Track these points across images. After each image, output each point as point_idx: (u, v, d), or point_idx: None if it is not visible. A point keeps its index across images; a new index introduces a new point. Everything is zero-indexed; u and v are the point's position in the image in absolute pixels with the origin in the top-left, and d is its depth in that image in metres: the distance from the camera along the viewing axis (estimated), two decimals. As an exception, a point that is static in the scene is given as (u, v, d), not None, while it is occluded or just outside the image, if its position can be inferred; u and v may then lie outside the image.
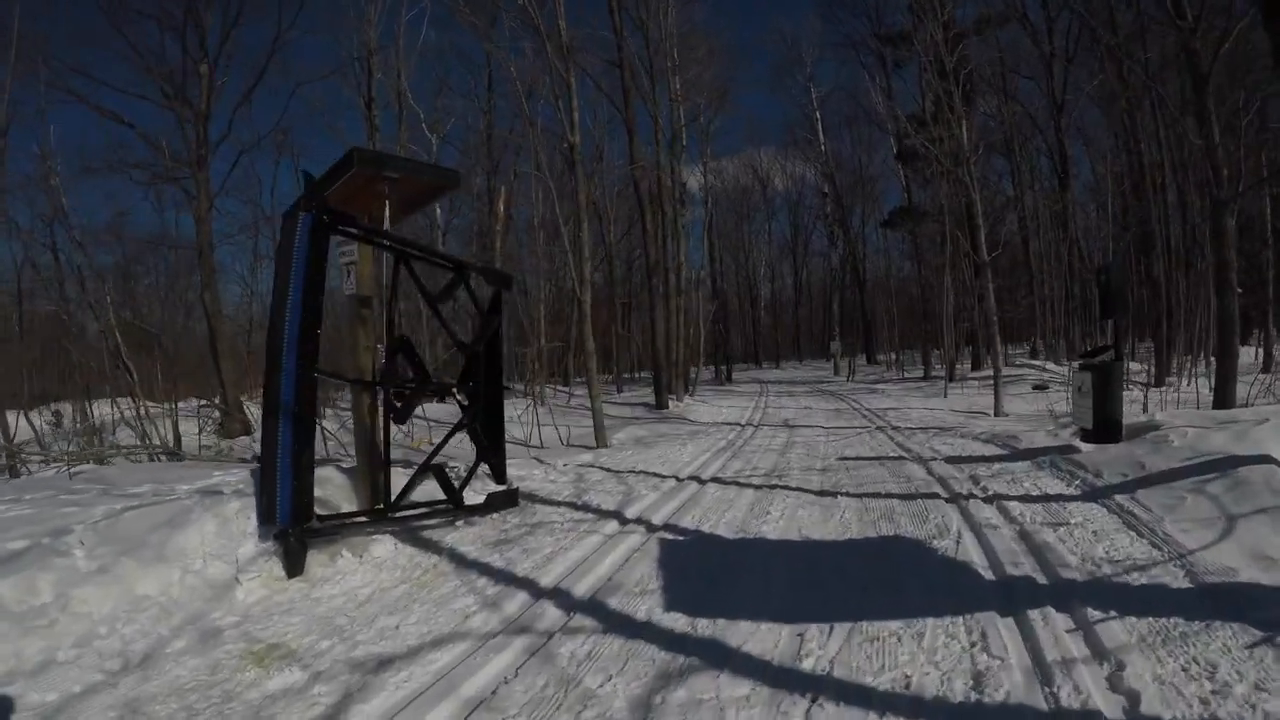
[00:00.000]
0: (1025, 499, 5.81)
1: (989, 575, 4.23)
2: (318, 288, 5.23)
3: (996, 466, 7.39)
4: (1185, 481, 5.28)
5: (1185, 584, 3.81)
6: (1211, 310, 18.49)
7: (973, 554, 4.60)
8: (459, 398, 7.44)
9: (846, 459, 8.83)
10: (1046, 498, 5.80)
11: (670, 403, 18.52)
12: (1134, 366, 17.51)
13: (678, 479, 8.05)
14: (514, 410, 13.82)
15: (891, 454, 9.03)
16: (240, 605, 4.38)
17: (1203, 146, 10.74)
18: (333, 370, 7.19)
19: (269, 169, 55.13)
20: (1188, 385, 13.82)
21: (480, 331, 7.29)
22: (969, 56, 19.13)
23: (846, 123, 39.40)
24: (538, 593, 4.39)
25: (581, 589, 4.43)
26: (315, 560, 5.02)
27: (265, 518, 4.95)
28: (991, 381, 14.72)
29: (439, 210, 26.65)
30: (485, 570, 4.91)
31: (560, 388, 24.08)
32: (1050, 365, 22.56)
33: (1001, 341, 15.37)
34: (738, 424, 14.52)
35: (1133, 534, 4.66)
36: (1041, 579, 4.07)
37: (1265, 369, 16.87)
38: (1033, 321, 28.35)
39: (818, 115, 39.03)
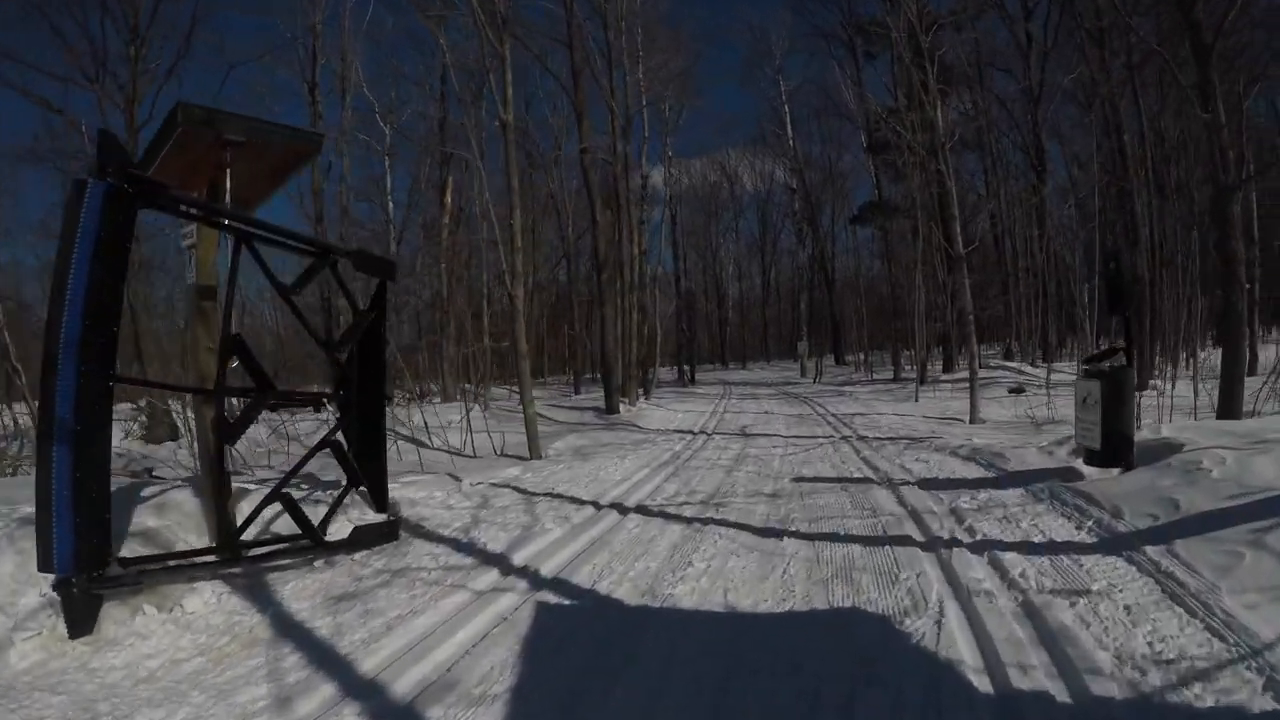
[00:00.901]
0: (1025, 548, 4.41)
1: (986, 687, 2.87)
2: (114, 274, 4.13)
3: (982, 495, 5.98)
4: (1238, 530, 3.92)
5: (1269, 703, 2.57)
6: (1199, 310, 17.57)
7: (960, 644, 3.23)
8: (331, 409, 6.30)
9: (802, 480, 7.47)
10: (1053, 547, 4.40)
11: (622, 407, 17.17)
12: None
13: (597, 506, 6.66)
14: (453, 415, 12.59)
15: (855, 474, 7.66)
16: (10, 672, 3.50)
17: (1206, 124, 9.51)
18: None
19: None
20: (1173, 390, 12.64)
21: (349, 329, 6.09)
22: (944, 38, 18.06)
23: (816, 116, 38.21)
24: (349, 685, 3.24)
25: (405, 684, 3.23)
26: (113, 615, 4.02)
27: (42, 564, 3.87)
28: (965, 384, 13.55)
29: (392, 204, 25.16)
30: (305, 641, 3.77)
31: (515, 389, 22.64)
32: (1027, 367, 21.48)
33: (976, 341, 14.13)
34: (690, 432, 13.14)
35: (1180, 611, 3.32)
36: (1063, 695, 2.77)
37: (1250, 371, 15.88)
38: (1006, 322, 27.34)
39: (786, 109, 37.78)
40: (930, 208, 21.27)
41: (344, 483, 6.04)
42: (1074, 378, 14.50)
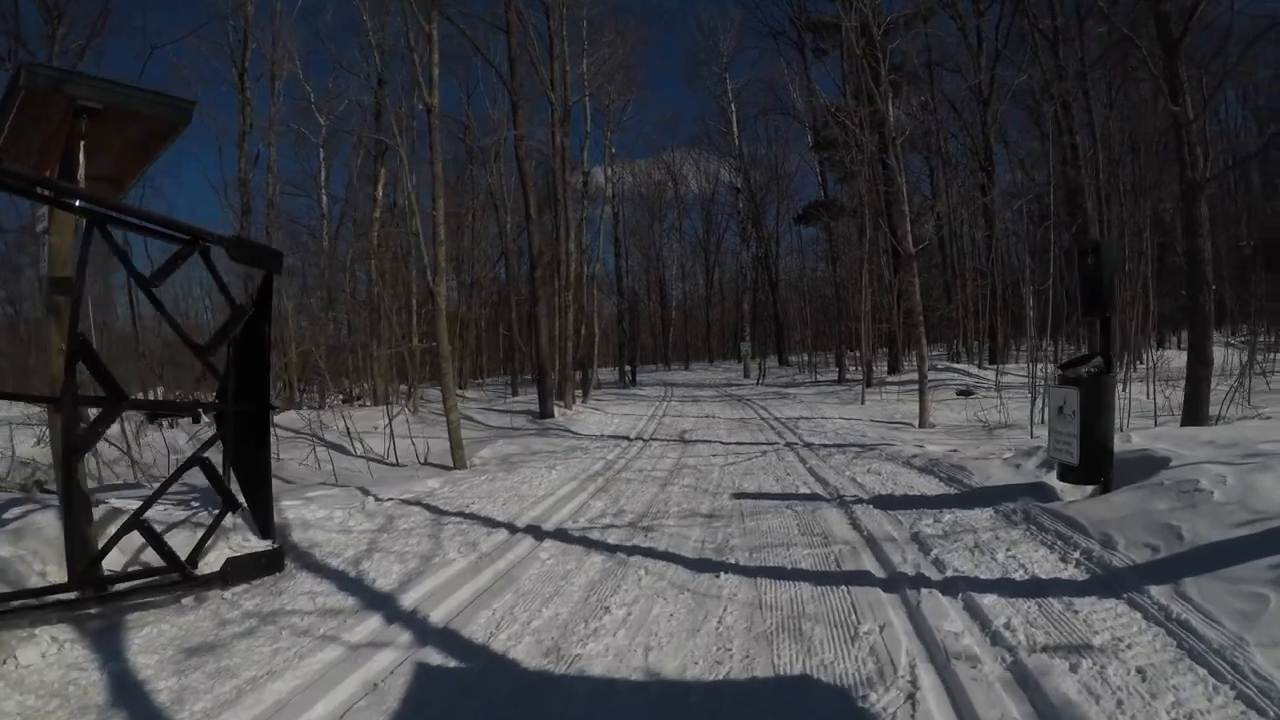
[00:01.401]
0: (1006, 588, 3.67)
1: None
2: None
3: (947, 517, 5.25)
4: (1256, 566, 3.24)
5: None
6: (1152, 311, 17.45)
7: (942, 733, 2.49)
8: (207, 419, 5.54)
9: (744, 496, 6.70)
10: (1039, 586, 3.67)
11: (557, 410, 16.28)
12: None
13: (512, 529, 5.83)
14: (381, 420, 12.01)
15: (802, 489, 6.90)
16: None
17: (1175, 117, 9.05)
18: None
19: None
20: (1123, 391, 12.27)
21: (222, 328, 5.22)
22: (896, 35, 17.61)
23: (761, 115, 37.69)
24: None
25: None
26: (-61, 669, 3.30)
27: None
28: (912, 386, 13.03)
29: (325, 196, 23.91)
30: (141, 710, 3.06)
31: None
32: (974, 369, 21.17)
33: (925, 343, 13.62)
34: (625, 438, 12.33)
35: (1204, 674, 2.65)
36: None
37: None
38: (950, 324, 27.10)
39: (732, 108, 37.17)
40: (878, 206, 20.86)
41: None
42: (1024, 380, 14.16)
